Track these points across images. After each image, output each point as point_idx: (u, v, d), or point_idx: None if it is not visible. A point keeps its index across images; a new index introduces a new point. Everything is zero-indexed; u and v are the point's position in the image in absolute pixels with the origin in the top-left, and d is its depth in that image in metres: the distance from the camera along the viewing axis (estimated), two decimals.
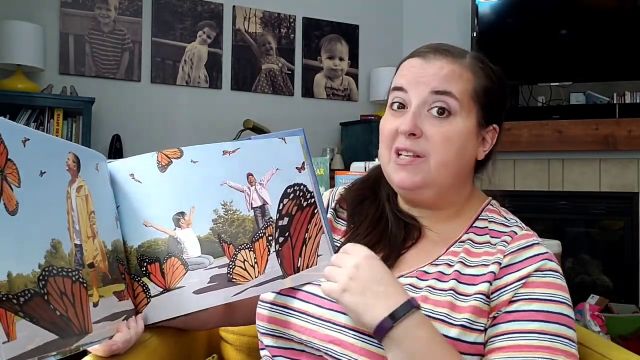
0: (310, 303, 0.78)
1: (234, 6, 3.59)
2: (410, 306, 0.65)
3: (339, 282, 0.67)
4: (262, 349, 0.84)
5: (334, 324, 0.75)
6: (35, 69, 2.95)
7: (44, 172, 0.64)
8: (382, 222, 0.84)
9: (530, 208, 3.18)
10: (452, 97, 0.77)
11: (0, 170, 0.57)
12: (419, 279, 0.77)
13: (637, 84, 3.25)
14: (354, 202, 0.89)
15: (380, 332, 0.65)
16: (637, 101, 3.21)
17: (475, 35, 3.43)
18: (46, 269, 0.60)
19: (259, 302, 0.84)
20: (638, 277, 3.04)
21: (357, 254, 0.69)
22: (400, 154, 0.79)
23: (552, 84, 3.36)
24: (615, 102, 3.25)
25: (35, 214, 0.61)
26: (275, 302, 0.81)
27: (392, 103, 0.82)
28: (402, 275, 0.78)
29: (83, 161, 0.72)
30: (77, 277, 0.65)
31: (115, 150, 3.12)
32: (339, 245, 0.86)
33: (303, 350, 0.78)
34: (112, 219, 0.77)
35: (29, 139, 0.61)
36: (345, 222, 0.90)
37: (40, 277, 0.59)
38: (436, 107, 0.77)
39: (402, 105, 0.80)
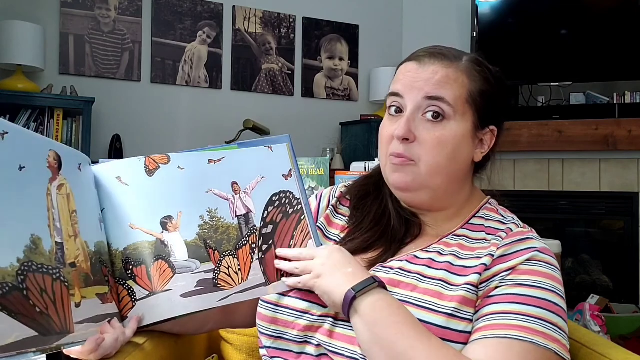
0: (312, 302, 0.79)
1: (234, 6, 3.59)
2: (373, 281, 0.70)
3: (314, 270, 0.74)
4: (262, 347, 0.85)
5: (334, 319, 0.77)
6: (35, 69, 2.95)
7: (23, 167, 0.63)
8: (385, 218, 0.86)
9: (530, 208, 3.18)
10: (444, 103, 0.78)
11: None
12: (409, 262, 0.78)
13: (637, 84, 3.25)
14: (358, 196, 0.91)
15: (346, 306, 0.69)
16: (637, 101, 3.21)
17: (475, 35, 3.43)
18: (25, 263, 0.60)
19: (260, 303, 0.84)
20: (638, 277, 3.04)
21: (327, 247, 0.78)
22: (394, 157, 0.81)
23: (552, 84, 3.36)
24: (615, 102, 3.25)
25: (13, 208, 0.60)
26: (277, 303, 0.82)
27: (390, 107, 0.83)
28: (392, 260, 0.80)
29: (65, 160, 0.71)
30: (57, 275, 0.65)
31: (115, 150, 3.12)
32: (337, 240, 0.88)
33: (302, 352, 0.78)
34: (96, 220, 0.76)
35: (7, 132, 0.61)
36: (345, 218, 0.91)
37: (19, 272, 0.59)
38: (430, 111, 0.79)
39: (400, 110, 0.82)
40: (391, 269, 0.79)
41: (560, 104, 3.39)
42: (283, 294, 0.82)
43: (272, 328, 0.81)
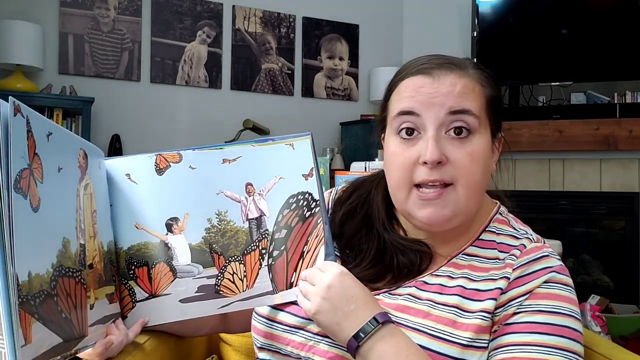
0: (307, 319, 0.73)
1: (233, 6, 3.58)
2: (376, 323, 0.66)
3: (312, 302, 0.68)
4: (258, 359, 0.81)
5: (331, 339, 0.71)
6: (34, 69, 2.95)
7: (61, 169, 0.62)
8: (387, 256, 0.78)
9: (530, 208, 3.18)
10: (471, 115, 0.71)
11: (29, 164, 0.55)
12: (418, 288, 0.73)
13: (638, 83, 3.24)
14: (347, 236, 0.82)
15: (351, 351, 0.67)
16: (638, 101, 3.21)
17: (475, 35, 3.43)
18: (57, 268, 0.59)
19: (254, 315, 0.80)
20: (638, 277, 3.04)
21: (330, 272, 0.69)
22: (422, 187, 0.72)
23: (552, 83, 3.35)
24: (616, 102, 3.25)
25: (52, 212, 0.59)
26: (270, 317, 0.77)
27: (401, 129, 0.73)
28: (400, 286, 0.75)
29: (90, 158, 0.70)
30: (79, 277, 0.63)
31: (115, 150, 3.12)
32: (337, 254, 0.81)
33: None
34: (108, 218, 0.75)
35: (51, 133, 0.60)
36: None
37: (52, 278, 0.57)
38: (454, 127, 0.71)
39: (412, 131, 0.73)
40: (399, 295, 0.74)
41: (561, 104, 3.38)
42: (278, 308, 0.76)
43: (267, 342, 0.77)
